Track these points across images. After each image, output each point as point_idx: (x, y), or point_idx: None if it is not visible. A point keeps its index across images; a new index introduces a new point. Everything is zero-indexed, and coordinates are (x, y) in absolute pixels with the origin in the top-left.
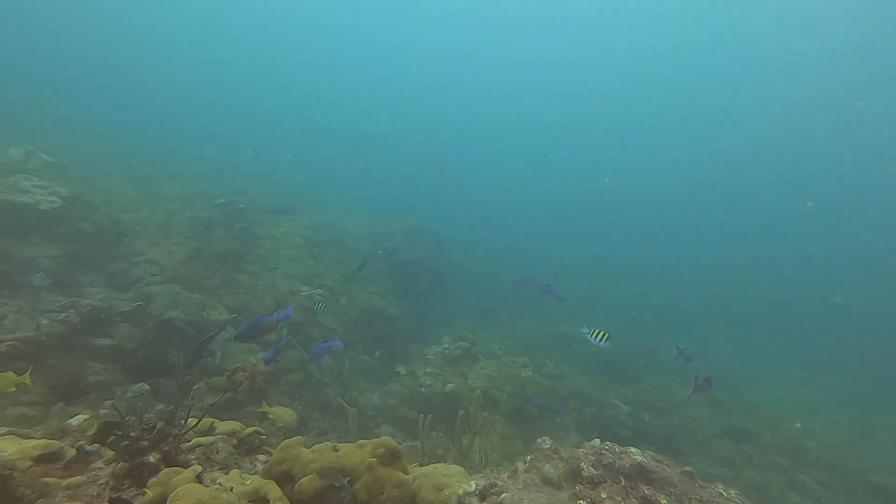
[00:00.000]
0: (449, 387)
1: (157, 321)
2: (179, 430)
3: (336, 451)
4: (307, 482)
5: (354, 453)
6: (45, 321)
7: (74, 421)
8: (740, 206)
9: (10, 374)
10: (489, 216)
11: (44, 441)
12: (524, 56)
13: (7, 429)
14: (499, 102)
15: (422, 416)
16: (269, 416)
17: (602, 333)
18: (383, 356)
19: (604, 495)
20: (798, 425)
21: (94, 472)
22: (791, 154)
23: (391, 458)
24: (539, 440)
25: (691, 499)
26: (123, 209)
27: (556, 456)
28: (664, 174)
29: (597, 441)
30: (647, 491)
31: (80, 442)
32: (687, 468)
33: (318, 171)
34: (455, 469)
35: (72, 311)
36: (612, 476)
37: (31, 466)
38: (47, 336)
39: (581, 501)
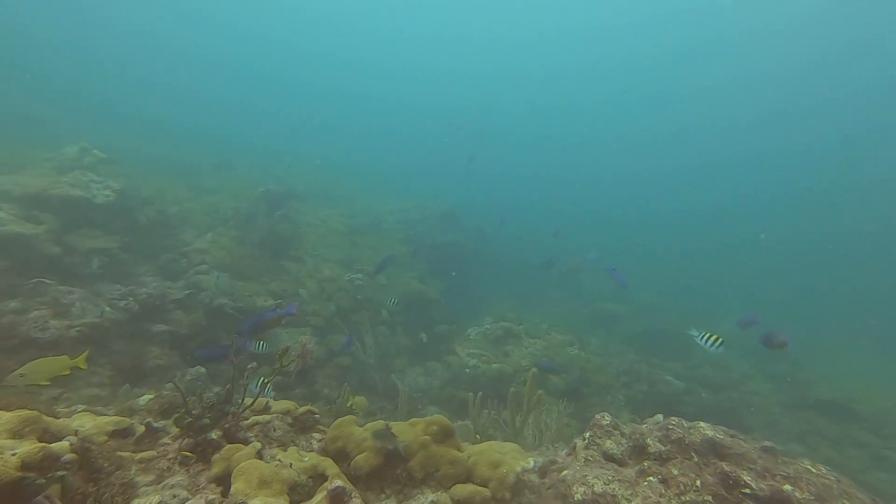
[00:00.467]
0: (494, 367)
1: (207, 308)
2: (237, 409)
3: (389, 429)
4: (362, 459)
5: (407, 431)
6: (107, 308)
7: (141, 401)
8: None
9: (66, 358)
10: (523, 204)
11: (116, 418)
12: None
13: (83, 406)
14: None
15: (471, 394)
16: (351, 405)
17: (715, 338)
18: (427, 338)
19: (675, 471)
20: (873, 395)
21: (162, 448)
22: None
23: (444, 435)
24: (598, 416)
25: (776, 475)
26: (171, 202)
27: (616, 432)
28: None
29: (660, 416)
30: (725, 467)
31: (148, 419)
32: (767, 443)
33: (350, 162)
34: (510, 446)
35: (130, 298)
36: (682, 452)
37: (106, 441)
38: (111, 322)
39: (651, 478)
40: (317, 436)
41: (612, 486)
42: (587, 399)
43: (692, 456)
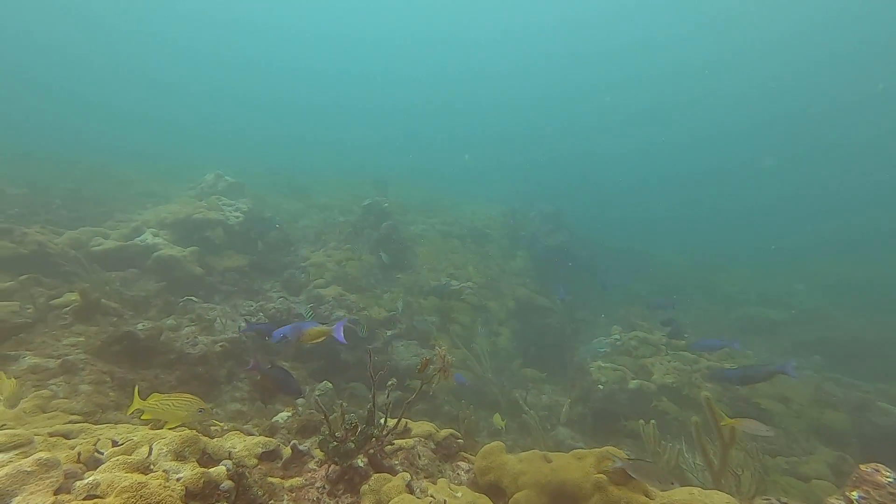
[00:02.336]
0: (633, 384)
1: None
2: (381, 432)
3: (548, 461)
4: (524, 499)
5: (572, 466)
6: (243, 324)
7: (280, 418)
8: None
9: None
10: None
11: (263, 439)
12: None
13: (231, 424)
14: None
15: (642, 421)
16: (496, 425)
17: None
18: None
19: None
20: None
21: (309, 474)
22: None
23: (623, 474)
24: (864, 469)
25: None
26: (288, 220)
27: None
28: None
29: None
30: None
31: (294, 441)
32: None
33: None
34: (720, 499)
35: (261, 314)
36: None
37: (256, 464)
38: (246, 337)
39: None
40: (463, 465)
41: None
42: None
43: None
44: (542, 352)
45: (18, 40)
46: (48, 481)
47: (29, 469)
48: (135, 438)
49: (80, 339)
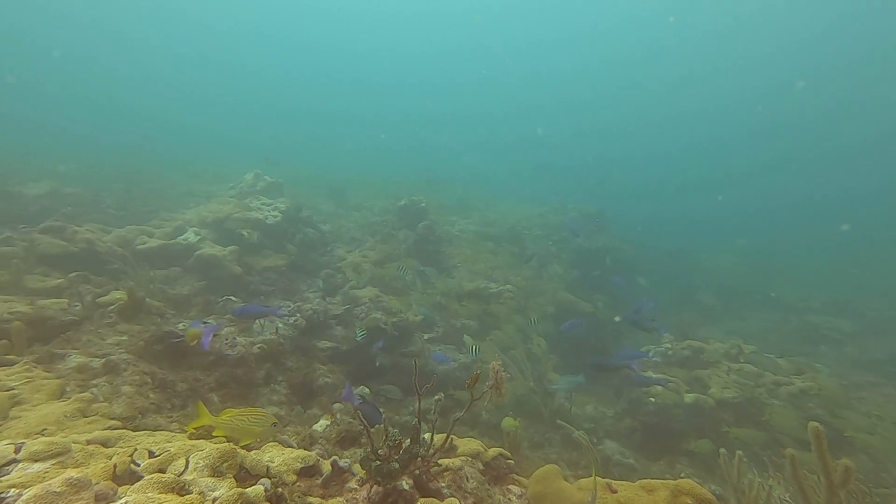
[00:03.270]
0: (689, 398)
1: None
2: (426, 450)
3: (613, 491)
4: None
5: (642, 499)
6: (280, 325)
7: (319, 427)
8: None
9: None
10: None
11: (302, 452)
12: None
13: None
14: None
15: (723, 450)
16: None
17: None
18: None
19: None
20: None
21: (350, 494)
22: None
23: None
24: None
25: None
26: (323, 220)
27: None
28: None
29: None
30: None
31: (334, 457)
32: None
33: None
34: None
35: (298, 315)
36: None
37: (295, 481)
38: (284, 339)
39: None
40: (514, 489)
41: None
42: (855, 456)
43: None
44: (583, 359)
45: (72, 58)
46: (80, 502)
47: (58, 489)
48: (171, 450)
49: (124, 337)
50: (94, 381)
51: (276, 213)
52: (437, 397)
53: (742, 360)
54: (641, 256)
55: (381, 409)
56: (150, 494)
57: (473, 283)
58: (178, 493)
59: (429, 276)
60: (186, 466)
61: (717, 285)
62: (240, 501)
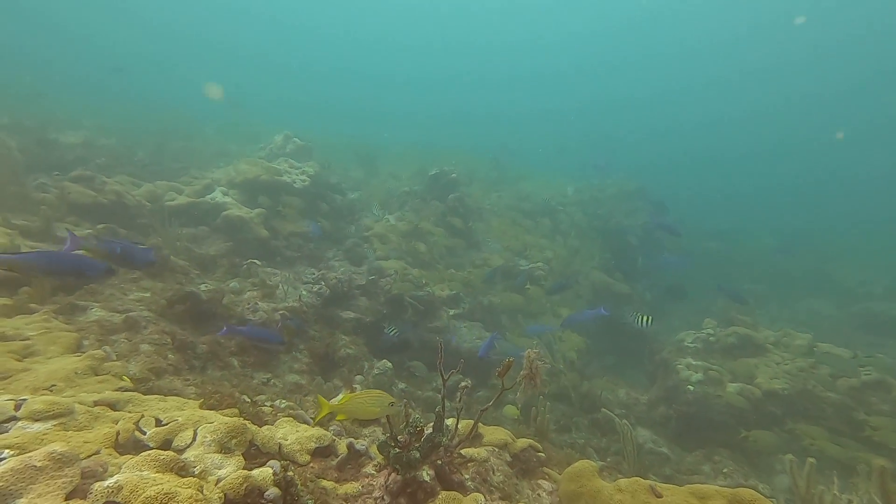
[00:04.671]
0: (732, 388)
1: (388, 296)
2: (450, 440)
3: (657, 496)
4: None
5: None
6: (304, 292)
7: (336, 402)
8: None
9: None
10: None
11: (317, 431)
12: None
13: (286, 403)
14: None
15: (790, 456)
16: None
17: None
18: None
19: None
20: None
21: (366, 480)
22: None
23: None
24: None
25: None
26: (352, 187)
27: None
28: None
29: None
30: None
31: (350, 439)
32: None
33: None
34: None
35: (322, 283)
36: None
37: (308, 462)
38: (307, 307)
39: None
40: (545, 485)
41: None
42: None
43: None
44: (618, 342)
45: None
46: (61, 481)
47: (39, 464)
48: (180, 419)
49: (147, 294)
50: (114, 337)
51: (304, 177)
52: (463, 384)
53: (796, 350)
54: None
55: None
56: (144, 473)
57: (504, 259)
58: (176, 473)
59: (457, 250)
60: (194, 439)
61: (765, 269)
62: (245, 485)
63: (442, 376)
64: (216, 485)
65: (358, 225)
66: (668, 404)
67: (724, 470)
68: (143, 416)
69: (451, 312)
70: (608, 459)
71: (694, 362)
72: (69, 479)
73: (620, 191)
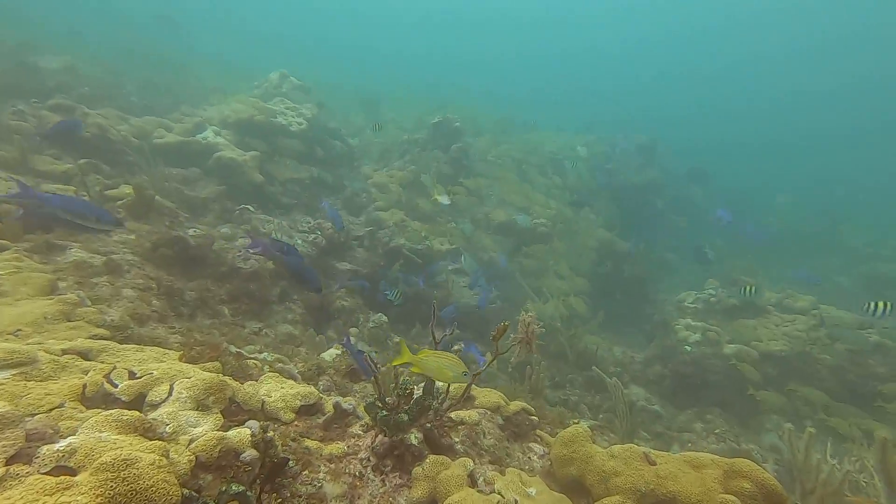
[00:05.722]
0: (730, 349)
1: (386, 248)
2: (440, 404)
3: (651, 463)
4: None
5: (687, 477)
6: (299, 241)
7: (328, 356)
8: None
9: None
10: None
11: (303, 388)
12: None
13: (274, 356)
14: None
15: (790, 426)
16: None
17: None
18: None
19: None
20: None
21: (353, 440)
22: None
23: (768, 502)
24: None
25: None
26: (352, 133)
27: None
28: None
29: None
30: None
31: (338, 398)
32: None
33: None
34: None
35: (318, 232)
36: None
37: (293, 420)
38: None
39: None
40: (536, 448)
41: None
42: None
43: None
44: (618, 301)
45: None
46: (1, 444)
47: None
48: (155, 373)
49: (131, 237)
50: (94, 280)
51: (301, 120)
52: (455, 347)
53: (796, 311)
54: (691, 194)
55: (376, 364)
56: (104, 435)
57: (507, 213)
58: (142, 435)
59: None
60: (170, 394)
61: (776, 228)
62: (218, 448)
63: (433, 337)
64: (187, 447)
65: (357, 173)
66: (664, 363)
67: (717, 430)
68: (115, 367)
69: (451, 267)
70: (600, 417)
71: (693, 323)
72: (11, 442)
73: (630, 145)
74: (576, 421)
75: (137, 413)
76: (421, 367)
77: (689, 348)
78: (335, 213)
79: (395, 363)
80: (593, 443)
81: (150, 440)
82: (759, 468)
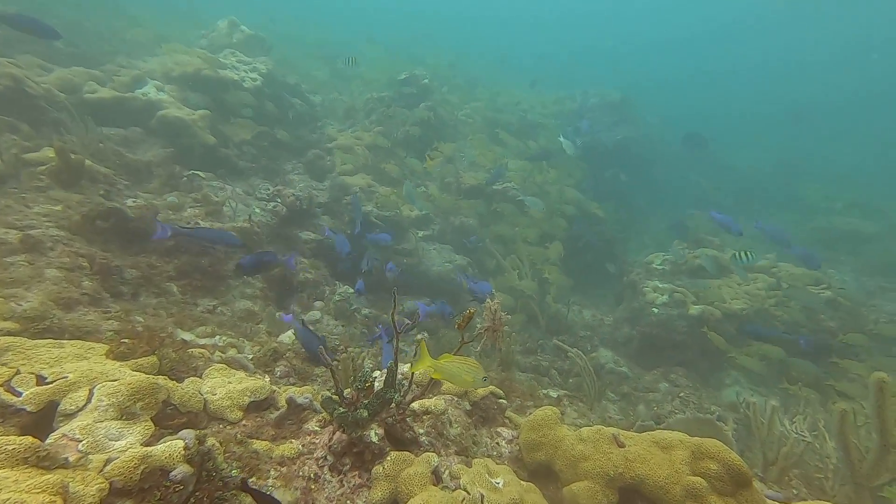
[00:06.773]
0: (695, 310)
1: (352, 215)
2: (403, 396)
3: (620, 445)
4: (583, 494)
5: (655, 459)
6: (257, 210)
7: (286, 338)
8: None
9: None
10: None
11: (252, 383)
12: None
13: (227, 340)
14: None
15: (754, 400)
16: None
17: None
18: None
19: None
20: None
21: (308, 438)
22: None
23: (735, 483)
24: None
25: None
26: (314, 90)
27: None
28: None
29: None
30: None
31: (291, 393)
32: None
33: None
34: None
35: (278, 200)
36: None
37: (241, 419)
38: (259, 227)
39: None
40: (504, 433)
41: None
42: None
43: None
44: (587, 263)
45: None
46: None
47: None
48: (70, 376)
49: (57, 208)
50: (8, 260)
51: (255, 75)
52: (419, 336)
53: (756, 270)
54: (661, 153)
55: (320, 336)
56: None
57: (477, 177)
58: (36, 466)
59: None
60: (88, 401)
61: (736, 186)
62: (141, 468)
63: (395, 329)
64: (100, 471)
65: (320, 134)
66: (632, 325)
67: (681, 395)
68: (18, 371)
69: (420, 234)
70: (570, 381)
71: (661, 285)
72: None
73: (603, 102)
74: (545, 392)
75: (30, 439)
76: (441, 373)
77: (656, 311)
78: (341, 239)
79: (414, 369)
80: (562, 423)
81: (49, 471)
82: (725, 449)
